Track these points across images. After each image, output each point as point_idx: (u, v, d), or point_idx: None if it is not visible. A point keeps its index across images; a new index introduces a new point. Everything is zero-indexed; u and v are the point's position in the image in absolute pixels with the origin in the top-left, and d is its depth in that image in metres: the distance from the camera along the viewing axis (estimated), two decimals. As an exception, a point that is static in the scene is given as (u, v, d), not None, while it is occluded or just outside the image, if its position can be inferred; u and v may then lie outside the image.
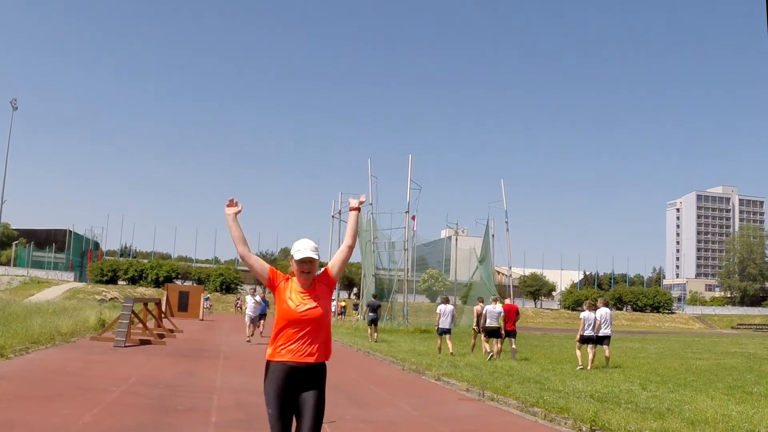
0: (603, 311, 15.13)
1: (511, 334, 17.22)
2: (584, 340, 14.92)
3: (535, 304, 77.28)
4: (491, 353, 16.45)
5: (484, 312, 17.44)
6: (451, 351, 17.30)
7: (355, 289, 65.34)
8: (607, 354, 15.24)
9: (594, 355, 14.82)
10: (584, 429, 7.47)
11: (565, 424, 7.84)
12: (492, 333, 16.90)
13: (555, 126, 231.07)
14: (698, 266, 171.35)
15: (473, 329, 19.87)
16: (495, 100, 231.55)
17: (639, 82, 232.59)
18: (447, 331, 17.72)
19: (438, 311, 18.06)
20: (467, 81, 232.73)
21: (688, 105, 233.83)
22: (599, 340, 15.05)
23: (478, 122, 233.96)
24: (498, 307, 17.12)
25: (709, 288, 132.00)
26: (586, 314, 14.89)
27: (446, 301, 18.39)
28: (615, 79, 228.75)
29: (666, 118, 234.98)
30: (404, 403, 9.39)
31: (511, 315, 17.29)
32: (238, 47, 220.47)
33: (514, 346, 17.16)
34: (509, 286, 44.64)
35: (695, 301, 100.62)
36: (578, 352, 15.11)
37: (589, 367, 14.35)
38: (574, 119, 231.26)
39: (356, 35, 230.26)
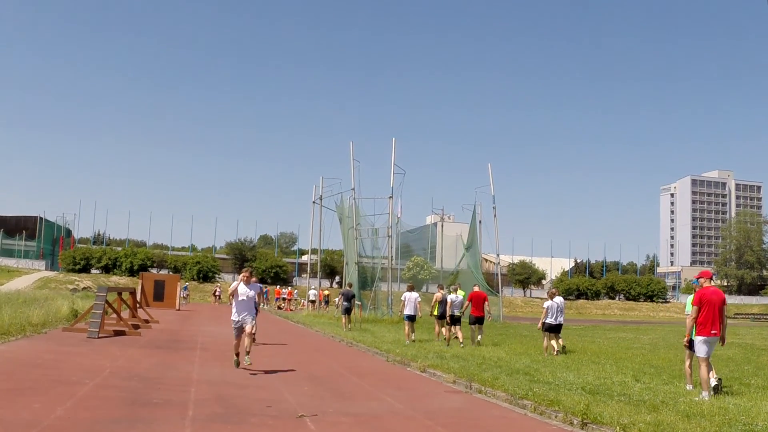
0: (558, 300, 15.91)
1: (479, 320, 17.92)
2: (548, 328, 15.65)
3: (524, 292, 75.81)
4: (458, 340, 17.43)
5: (449, 300, 18.07)
6: (413, 338, 18.43)
7: (337, 278, 63.99)
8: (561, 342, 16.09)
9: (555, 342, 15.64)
10: (575, 422, 7.32)
11: (556, 417, 7.69)
12: (456, 320, 17.92)
13: (545, 108, 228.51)
14: (693, 253, 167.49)
15: (433, 315, 19.97)
16: (482, 81, 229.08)
17: (632, 65, 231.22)
18: (412, 318, 18.76)
19: (402, 298, 19.19)
20: (452, 62, 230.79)
21: (682, 86, 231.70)
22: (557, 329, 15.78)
23: (465, 104, 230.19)
24: (460, 296, 18.28)
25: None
26: (549, 303, 15.68)
27: (411, 289, 19.43)
28: (607, 62, 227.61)
29: (660, 100, 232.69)
30: (388, 396, 9.17)
31: (480, 301, 17.95)
32: (214, 30, 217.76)
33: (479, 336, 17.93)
34: (497, 274, 44.20)
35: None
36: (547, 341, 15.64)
37: (546, 354, 15.12)
38: (565, 102, 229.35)
39: (338, 17, 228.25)
